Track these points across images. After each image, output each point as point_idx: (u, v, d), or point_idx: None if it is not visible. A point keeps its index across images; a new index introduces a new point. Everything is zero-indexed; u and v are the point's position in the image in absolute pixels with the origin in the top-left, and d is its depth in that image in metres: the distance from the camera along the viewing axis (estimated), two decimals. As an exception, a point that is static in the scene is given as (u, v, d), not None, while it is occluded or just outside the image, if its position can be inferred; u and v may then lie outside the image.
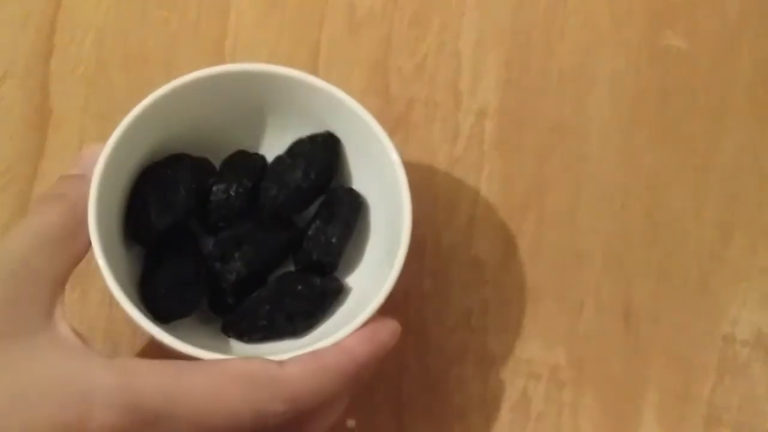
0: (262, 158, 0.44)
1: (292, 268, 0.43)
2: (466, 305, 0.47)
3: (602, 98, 0.51)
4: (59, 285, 0.37)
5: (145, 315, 0.38)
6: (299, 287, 0.41)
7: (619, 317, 0.47)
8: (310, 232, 0.42)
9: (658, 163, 0.50)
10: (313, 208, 0.43)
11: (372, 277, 0.41)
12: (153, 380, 0.34)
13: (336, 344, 0.37)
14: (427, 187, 0.49)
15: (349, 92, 0.42)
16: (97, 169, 0.38)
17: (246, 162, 0.43)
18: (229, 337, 0.41)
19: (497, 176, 0.49)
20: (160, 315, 0.40)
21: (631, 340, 0.47)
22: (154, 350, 0.46)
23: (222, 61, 0.51)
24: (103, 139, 0.49)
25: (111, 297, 0.46)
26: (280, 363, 0.36)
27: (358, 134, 0.41)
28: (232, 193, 0.42)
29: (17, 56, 0.51)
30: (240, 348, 0.41)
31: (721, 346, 0.47)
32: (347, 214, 0.42)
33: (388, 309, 0.46)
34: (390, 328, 0.39)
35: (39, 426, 0.32)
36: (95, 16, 0.51)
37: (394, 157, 0.40)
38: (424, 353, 0.47)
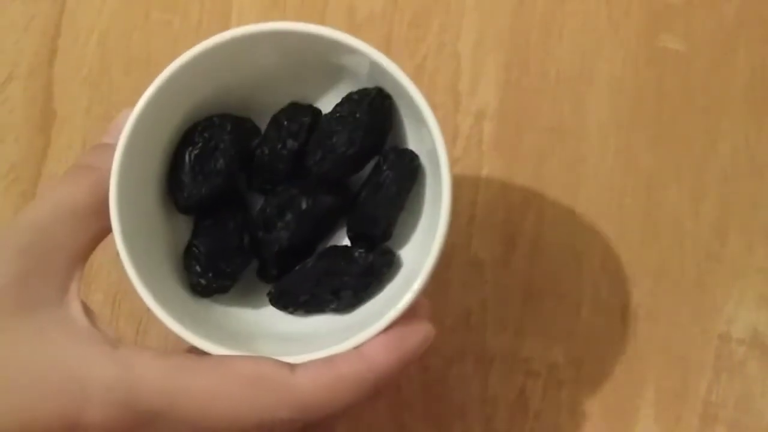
0: (314, 112, 0.40)
1: (344, 232, 0.41)
2: (465, 305, 0.48)
3: (600, 99, 0.51)
4: (79, 260, 0.35)
5: (184, 290, 0.37)
6: (343, 263, 0.38)
7: (616, 316, 0.47)
8: (359, 201, 0.39)
9: (656, 163, 0.50)
10: (369, 167, 0.40)
11: (422, 251, 0.37)
12: (154, 377, 0.32)
13: (356, 350, 0.34)
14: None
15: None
16: (122, 136, 0.35)
17: (293, 120, 0.40)
18: (275, 307, 0.39)
19: (496, 176, 0.50)
20: (197, 291, 0.38)
21: (628, 339, 0.47)
22: (156, 347, 0.46)
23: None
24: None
25: (114, 296, 0.47)
26: (292, 367, 0.33)
27: (403, 98, 0.38)
28: (276, 155, 0.39)
29: (21, 58, 0.51)
30: (283, 321, 0.39)
31: (717, 345, 0.47)
32: (399, 179, 0.38)
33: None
34: (421, 334, 0.35)
35: (35, 416, 0.31)
36: (98, 19, 0.52)
37: (437, 134, 0.36)
38: (423, 352, 0.47)
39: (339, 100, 0.39)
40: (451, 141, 0.50)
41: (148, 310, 0.36)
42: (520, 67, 0.51)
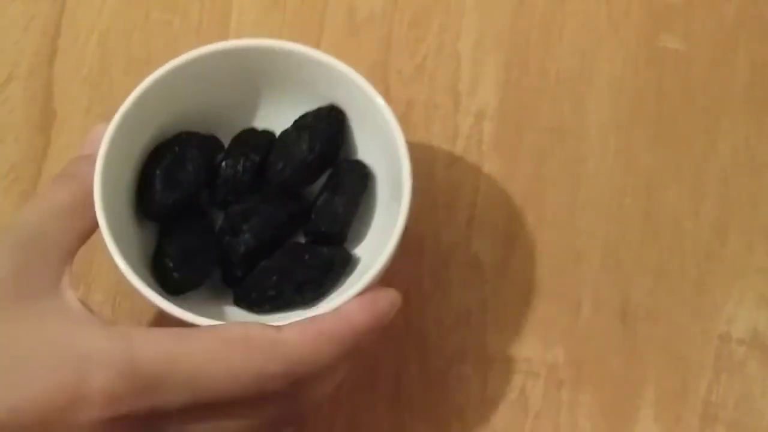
0: (271, 134, 0.44)
1: (302, 240, 0.44)
2: (465, 305, 0.48)
3: (600, 99, 0.51)
4: (69, 254, 0.38)
5: (156, 289, 0.39)
6: (306, 257, 0.41)
7: (616, 316, 0.47)
8: (317, 204, 0.43)
9: (656, 163, 0.50)
10: (321, 181, 0.44)
11: (377, 247, 0.41)
12: (153, 346, 0.34)
13: (334, 311, 0.38)
14: (427, 187, 0.49)
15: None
16: (101, 148, 0.39)
17: (254, 138, 0.44)
18: (241, 308, 0.42)
19: (496, 176, 0.50)
20: (169, 287, 0.41)
21: (628, 339, 0.47)
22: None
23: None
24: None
25: (114, 296, 0.47)
26: (278, 327, 0.36)
27: (361, 106, 0.42)
28: (240, 168, 0.43)
29: (21, 58, 0.51)
30: (251, 320, 0.41)
31: (717, 345, 0.47)
32: (353, 185, 0.43)
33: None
34: (389, 297, 0.39)
35: (38, 388, 0.33)
36: (98, 19, 0.52)
37: (393, 124, 0.41)
38: (423, 353, 0.47)
39: (297, 116, 0.44)
40: (451, 141, 0.50)
41: (145, 299, 0.38)
42: (520, 67, 0.51)
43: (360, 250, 0.43)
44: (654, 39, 0.52)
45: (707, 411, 0.46)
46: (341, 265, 0.42)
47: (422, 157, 0.50)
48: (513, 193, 0.49)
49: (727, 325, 0.47)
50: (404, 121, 0.50)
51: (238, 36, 0.52)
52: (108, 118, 0.50)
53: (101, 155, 0.39)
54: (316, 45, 0.52)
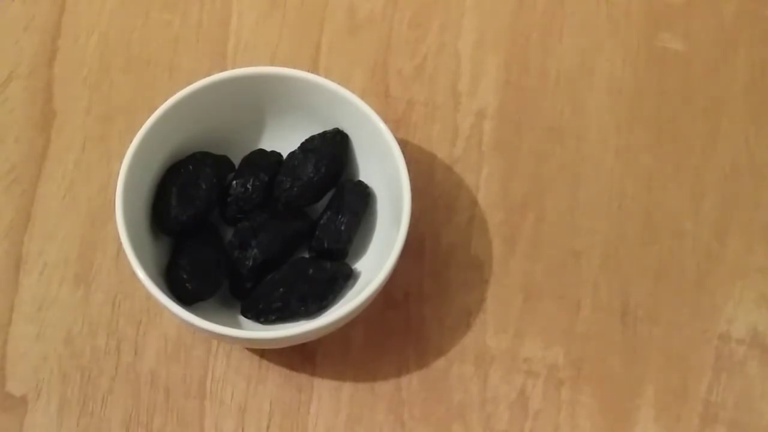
0: (278, 155, 0.47)
1: (307, 255, 0.46)
2: (465, 305, 0.48)
3: (600, 99, 0.51)
4: None
5: (170, 298, 0.41)
6: (311, 271, 0.44)
7: (616, 316, 0.47)
8: (321, 222, 0.45)
9: (656, 163, 0.50)
10: (324, 201, 0.46)
11: (377, 262, 0.43)
12: None
13: None
14: (427, 187, 0.49)
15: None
16: (122, 168, 0.42)
17: (263, 159, 0.47)
18: (248, 318, 0.44)
19: (496, 176, 0.50)
20: (183, 297, 0.43)
21: (628, 339, 0.47)
22: (156, 348, 0.46)
23: (224, 63, 0.51)
24: (106, 140, 0.50)
25: (115, 296, 0.47)
26: None
27: (364, 129, 0.45)
28: (250, 187, 0.45)
29: (22, 58, 0.51)
30: (257, 329, 0.44)
31: (717, 345, 0.47)
32: (355, 204, 0.45)
33: (389, 305, 0.47)
34: None
35: None
36: (98, 19, 0.52)
37: (395, 149, 0.43)
38: (423, 353, 0.47)
39: (303, 139, 0.46)
40: (451, 141, 0.50)
41: (165, 307, 0.40)
42: (520, 67, 0.51)
43: (361, 265, 0.46)
44: (654, 39, 0.52)
45: (707, 411, 0.46)
46: (343, 279, 0.44)
47: (422, 157, 0.50)
48: (513, 192, 0.49)
49: (727, 325, 0.47)
50: (404, 121, 0.50)
51: (237, 36, 0.52)
52: (108, 118, 0.50)
53: (122, 174, 0.42)
54: (316, 45, 0.52)
